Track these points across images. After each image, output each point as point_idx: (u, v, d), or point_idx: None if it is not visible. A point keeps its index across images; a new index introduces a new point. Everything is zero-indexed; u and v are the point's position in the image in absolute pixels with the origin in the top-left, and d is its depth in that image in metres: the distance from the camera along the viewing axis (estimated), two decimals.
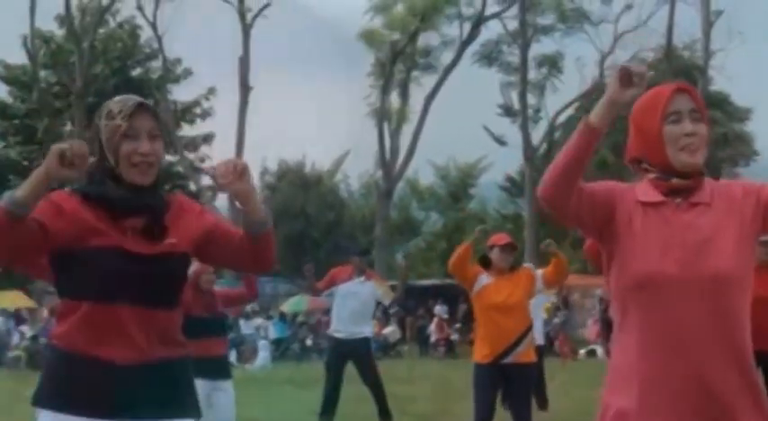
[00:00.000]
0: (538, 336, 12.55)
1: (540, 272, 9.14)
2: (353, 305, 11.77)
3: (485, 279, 8.76)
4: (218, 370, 8.75)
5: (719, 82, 47.65)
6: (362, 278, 11.87)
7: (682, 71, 44.72)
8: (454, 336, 32.68)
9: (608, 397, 3.45)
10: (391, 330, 32.70)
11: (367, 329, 12.10)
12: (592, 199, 3.44)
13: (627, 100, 3.36)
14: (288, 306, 34.25)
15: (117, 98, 3.78)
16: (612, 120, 3.39)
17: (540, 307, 12.89)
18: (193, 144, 46.39)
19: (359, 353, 11.83)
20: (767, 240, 8.62)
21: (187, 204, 3.92)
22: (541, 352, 12.76)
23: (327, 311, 33.42)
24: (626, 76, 3.34)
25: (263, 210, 3.78)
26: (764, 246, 8.64)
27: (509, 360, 8.62)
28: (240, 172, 3.64)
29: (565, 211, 3.45)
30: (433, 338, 32.94)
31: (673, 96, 3.48)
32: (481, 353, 8.76)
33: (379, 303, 13.26)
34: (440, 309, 34.38)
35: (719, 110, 48.76)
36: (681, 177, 3.45)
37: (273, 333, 31.31)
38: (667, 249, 3.36)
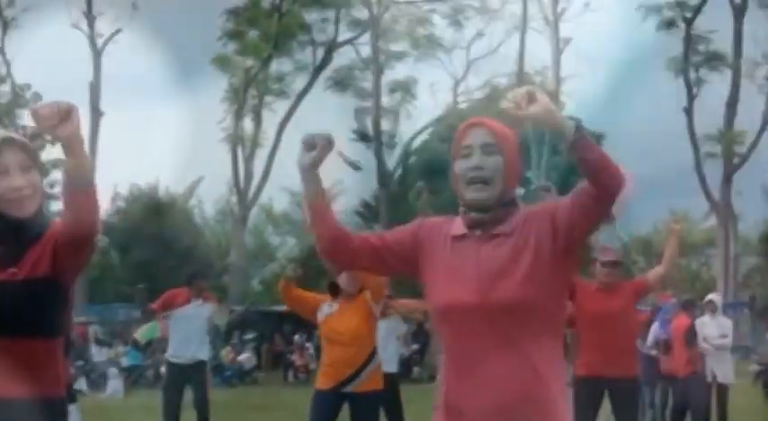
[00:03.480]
0: (390, 363, 12.54)
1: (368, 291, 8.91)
2: (190, 328, 11.51)
3: (327, 308, 8.60)
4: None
5: (571, 108, 48.68)
6: (200, 301, 11.66)
7: None
8: (313, 366, 32.47)
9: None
10: (246, 357, 32.35)
11: (203, 352, 11.83)
12: (398, 247, 3.64)
13: (309, 162, 3.59)
14: (141, 333, 33.64)
15: None
16: (315, 184, 3.63)
17: (392, 333, 12.72)
18: (44, 169, 45.41)
19: (195, 378, 11.57)
20: (610, 261, 8.81)
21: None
22: (395, 379, 12.63)
23: None
24: (308, 145, 3.60)
25: (89, 167, 3.59)
26: (606, 267, 8.79)
27: (349, 389, 8.44)
28: (65, 113, 3.42)
29: (357, 265, 3.76)
30: (293, 365, 32.68)
31: (465, 132, 3.53)
32: (322, 380, 8.59)
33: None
34: (298, 336, 34.18)
35: None
36: (479, 211, 3.50)
37: (127, 360, 30.75)
38: (465, 280, 3.44)
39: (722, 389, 14.05)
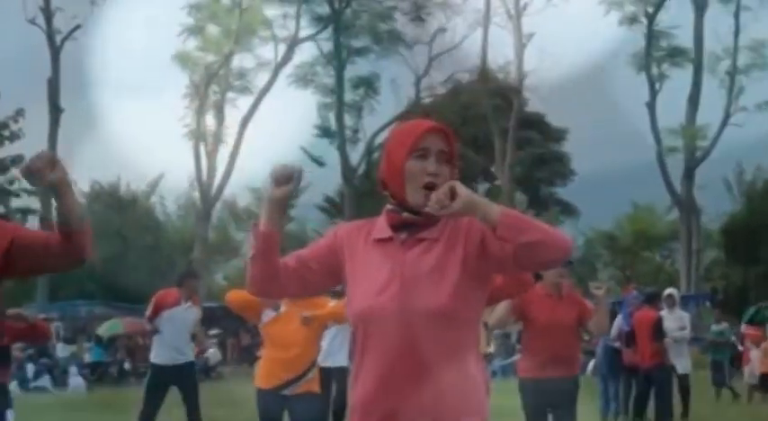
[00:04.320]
0: (338, 356, 12.60)
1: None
2: (177, 331, 11.41)
3: (273, 311, 8.47)
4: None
5: (535, 103, 48.85)
6: (189, 303, 11.55)
7: (497, 92, 45.74)
8: None
9: None
10: (212, 352, 32.33)
11: (190, 353, 11.76)
12: (317, 262, 3.61)
13: (282, 196, 3.56)
14: (104, 329, 33.60)
15: None
16: (278, 218, 3.58)
17: (346, 332, 12.63)
18: (2, 166, 45.13)
19: (184, 379, 11.48)
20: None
21: None
22: (345, 373, 12.57)
23: (147, 333, 33.01)
24: (281, 177, 3.52)
25: (81, 205, 3.69)
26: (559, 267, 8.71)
27: (288, 391, 8.37)
28: (52, 162, 3.54)
29: (286, 295, 3.87)
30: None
31: (425, 134, 3.48)
32: (263, 377, 8.52)
33: None
34: None
35: (535, 130, 50.05)
36: (414, 212, 3.48)
37: (90, 356, 30.67)
38: (386, 285, 3.42)
39: (683, 380, 14.32)
